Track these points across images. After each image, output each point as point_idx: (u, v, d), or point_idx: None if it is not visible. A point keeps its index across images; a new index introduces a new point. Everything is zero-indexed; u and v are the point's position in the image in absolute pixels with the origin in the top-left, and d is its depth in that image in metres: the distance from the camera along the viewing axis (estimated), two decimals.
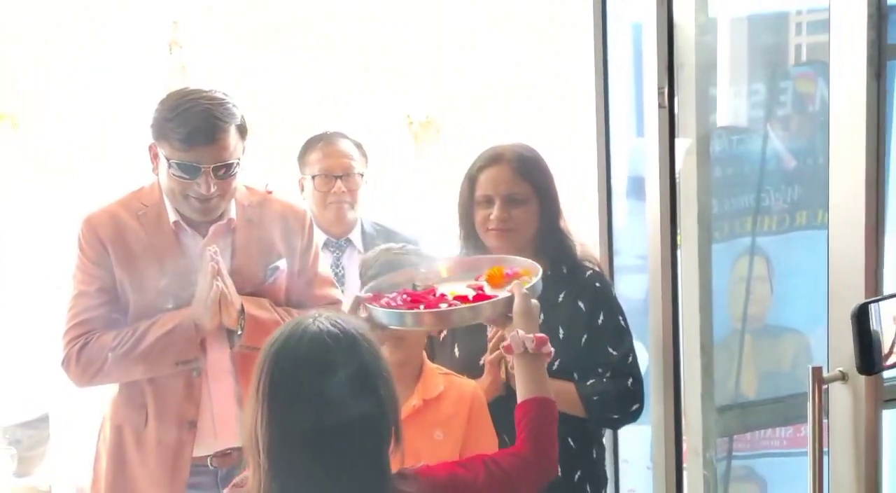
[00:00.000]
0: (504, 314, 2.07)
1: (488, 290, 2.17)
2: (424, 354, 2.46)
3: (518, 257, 2.30)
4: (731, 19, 2.61)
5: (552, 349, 2.02)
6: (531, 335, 1.98)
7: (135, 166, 2.59)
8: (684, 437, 2.73)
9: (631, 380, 2.50)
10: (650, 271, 2.58)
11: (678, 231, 2.58)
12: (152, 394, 2.58)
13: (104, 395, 2.72)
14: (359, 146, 3.28)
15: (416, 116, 5.50)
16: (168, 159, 2.45)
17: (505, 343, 2.03)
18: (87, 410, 3.15)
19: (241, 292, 2.51)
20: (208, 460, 2.59)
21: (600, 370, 2.48)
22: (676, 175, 2.51)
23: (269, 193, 2.72)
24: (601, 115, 2.76)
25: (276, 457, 1.75)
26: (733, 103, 2.65)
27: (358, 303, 2.18)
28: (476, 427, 2.38)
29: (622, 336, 2.52)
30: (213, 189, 2.46)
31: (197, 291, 2.49)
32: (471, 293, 2.16)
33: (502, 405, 2.35)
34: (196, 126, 2.41)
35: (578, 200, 3.00)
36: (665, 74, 2.39)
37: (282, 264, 2.60)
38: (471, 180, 2.51)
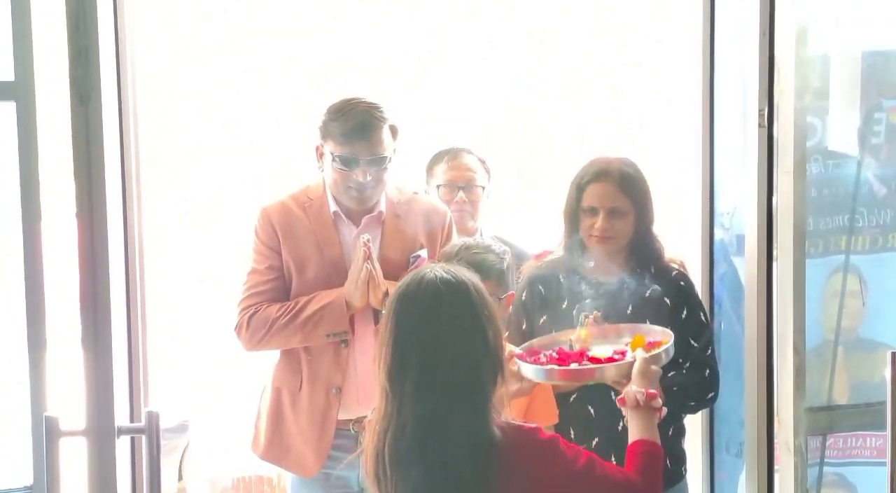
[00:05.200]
0: (628, 376, 2.31)
1: (630, 355, 2.40)
2: None
3: (655, 327, 2.57)
4: (830, 55, 2.88)
5: (662, 406, 2.24)
6: (642, 390, 2.24)
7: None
8: (777, 438, 2.97)
9: (708, 371, 2.81)
10: (746, 277, 2.84)
11: (775, 245, 2.86)
12: (307, 361, 2.94)
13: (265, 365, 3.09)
14: (482, 161, 3.53)
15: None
16: (332, 154, 2.86)
17: (619, 397, 2.26)
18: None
19: (385, 276, 2.84)
20: (350, 424, 2.89)
21: (681, 360, 2.76)
22: (774, 193, 2.81)
23: (416, 194, 3.12)
24: (706, 147, 3.11)
25: (403, 386, 2.04)
26: (831, 130, 2.92)
27: (510, 356, 2.40)
28: (535, 402, 2.64)
29: (702, 330, 2.83)
30: (368, 178, 2.85)
31: (350, 272, 2.85)
32: (609, 355, 2.44)
33: None
34: (355, 124, 2.82)
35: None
36: (765, 98, 2.71)
37: (423, 253, 2.94)
38: (578, 190, 2.82)
